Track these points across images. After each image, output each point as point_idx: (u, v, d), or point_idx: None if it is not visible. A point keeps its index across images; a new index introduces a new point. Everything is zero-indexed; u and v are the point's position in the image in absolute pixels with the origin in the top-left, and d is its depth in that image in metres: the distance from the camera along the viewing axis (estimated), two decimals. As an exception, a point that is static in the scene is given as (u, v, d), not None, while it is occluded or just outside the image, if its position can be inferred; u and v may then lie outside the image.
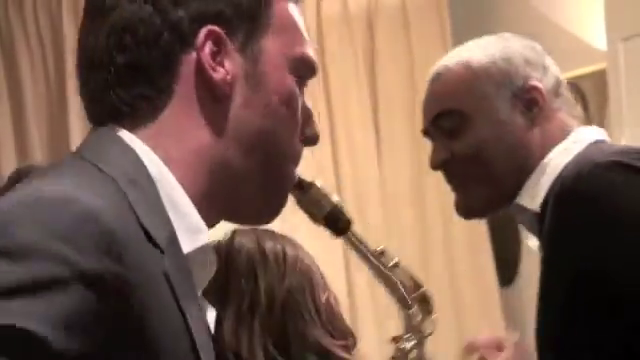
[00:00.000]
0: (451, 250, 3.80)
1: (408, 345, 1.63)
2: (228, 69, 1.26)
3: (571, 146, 1.83)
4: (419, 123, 3.98)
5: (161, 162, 1.24)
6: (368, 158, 3.87)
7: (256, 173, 1.29)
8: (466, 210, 1.92)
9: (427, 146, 4.35)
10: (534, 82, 1.86)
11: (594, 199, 1.65)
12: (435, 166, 1.95)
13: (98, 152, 1.22)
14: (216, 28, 1.25)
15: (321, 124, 3.85)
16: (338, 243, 3.77)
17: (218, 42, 1.26)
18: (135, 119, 1.25)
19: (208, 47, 1.25)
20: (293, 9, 1.32)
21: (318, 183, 1.44)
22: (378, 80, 3.97)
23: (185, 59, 1.25)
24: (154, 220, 1.19)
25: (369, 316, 3.70)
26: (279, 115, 1.29)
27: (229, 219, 1.32)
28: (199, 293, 1.26)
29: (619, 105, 3.43)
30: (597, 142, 1.82)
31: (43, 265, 1.04)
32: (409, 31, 4.03)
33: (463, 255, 3.80)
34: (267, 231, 1.91)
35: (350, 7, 3.98)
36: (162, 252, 1.18)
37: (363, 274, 3.74)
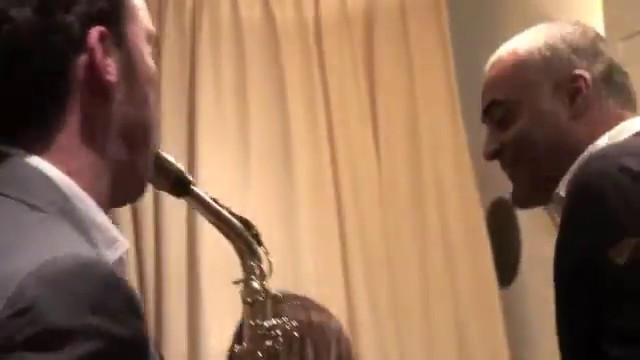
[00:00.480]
0: (451, 250, 3.79)
1: (255, 284, 1.67)
2: (112, 68, 1.23)
3: (615, 136, 1.78)
4: (418, 122, 3.94)
5: (68, 179, 1.19)
6: (367, 158, 3.84)
7: (140, 161, 1.29)
8: (515, 200, 1.92)
9: (426, 145, 4.27)
10: (579, 71, 1.83)
11: (597, 198, 1.62)
12: (487, 156, 1.94)
13: (12, 183, 1.17)
14: (103, 28, 1.22)
15: (320, 125, 3.76)
16: (337, 255, 3.79)
17: (105, 42, 1.22)
18: (29, 135, 1.19)
19: (100, 49, 1.21)
20: None
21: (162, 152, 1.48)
22: (376, 80, 3.93)
23: (78, 64, 1.21)
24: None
25: (370, 331, 3.69)
26: (150, 102, 1.29)
27: (111, 206, 1.30)
28: None
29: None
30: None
31: (81, 346, 1.02)
32: (408, 31, 3.97)
33: (463, 255, 3.79)
34: (314, 305, 2.11)
35: (349, 8, 3.94)
36: None
37: (363, 287, 3.75)
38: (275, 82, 3.79)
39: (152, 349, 1.13)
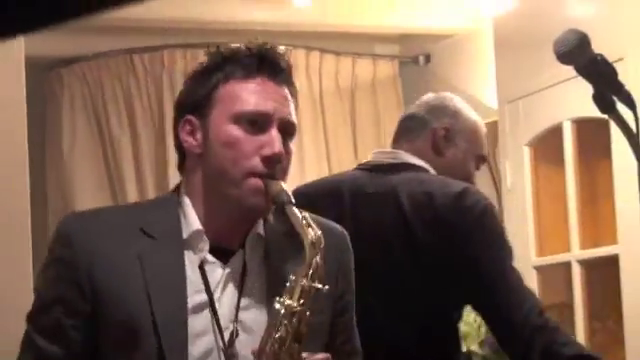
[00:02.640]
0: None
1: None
2: (198, 138, 1.65)
3: None
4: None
5: (184, 195, 1.69)
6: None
7: (224, 191, 1.66)
8: None
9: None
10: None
11: None
12: None
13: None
14: (189, 116, 1.66)
15: (321, 151, 5.41)
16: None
17: (191, 124, 1.66)
18: (182, 173, 1.74)
19: (186, 129, 1.66)
20: (236, 85, 1.63)
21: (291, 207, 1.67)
22: (357, 124, 4.99)
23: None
24: (158, 224, 1.64)
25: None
26: (221, 155, 1.64)
27: (235, 217, 1.70)
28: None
29: (505, 151, 4.05)
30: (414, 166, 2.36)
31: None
32: (376, 95, 5.01)
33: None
34: None
35: (340, 81, 4.98)
36: (154, 239, 1.64)
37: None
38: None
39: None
